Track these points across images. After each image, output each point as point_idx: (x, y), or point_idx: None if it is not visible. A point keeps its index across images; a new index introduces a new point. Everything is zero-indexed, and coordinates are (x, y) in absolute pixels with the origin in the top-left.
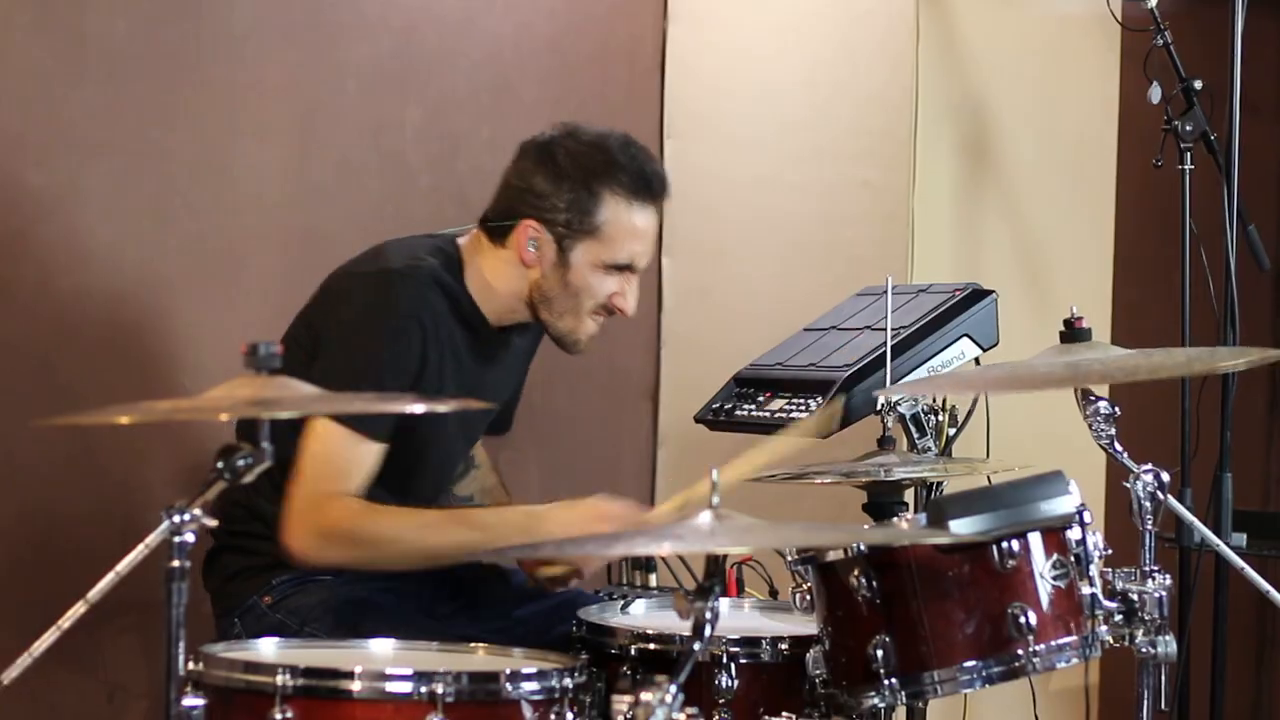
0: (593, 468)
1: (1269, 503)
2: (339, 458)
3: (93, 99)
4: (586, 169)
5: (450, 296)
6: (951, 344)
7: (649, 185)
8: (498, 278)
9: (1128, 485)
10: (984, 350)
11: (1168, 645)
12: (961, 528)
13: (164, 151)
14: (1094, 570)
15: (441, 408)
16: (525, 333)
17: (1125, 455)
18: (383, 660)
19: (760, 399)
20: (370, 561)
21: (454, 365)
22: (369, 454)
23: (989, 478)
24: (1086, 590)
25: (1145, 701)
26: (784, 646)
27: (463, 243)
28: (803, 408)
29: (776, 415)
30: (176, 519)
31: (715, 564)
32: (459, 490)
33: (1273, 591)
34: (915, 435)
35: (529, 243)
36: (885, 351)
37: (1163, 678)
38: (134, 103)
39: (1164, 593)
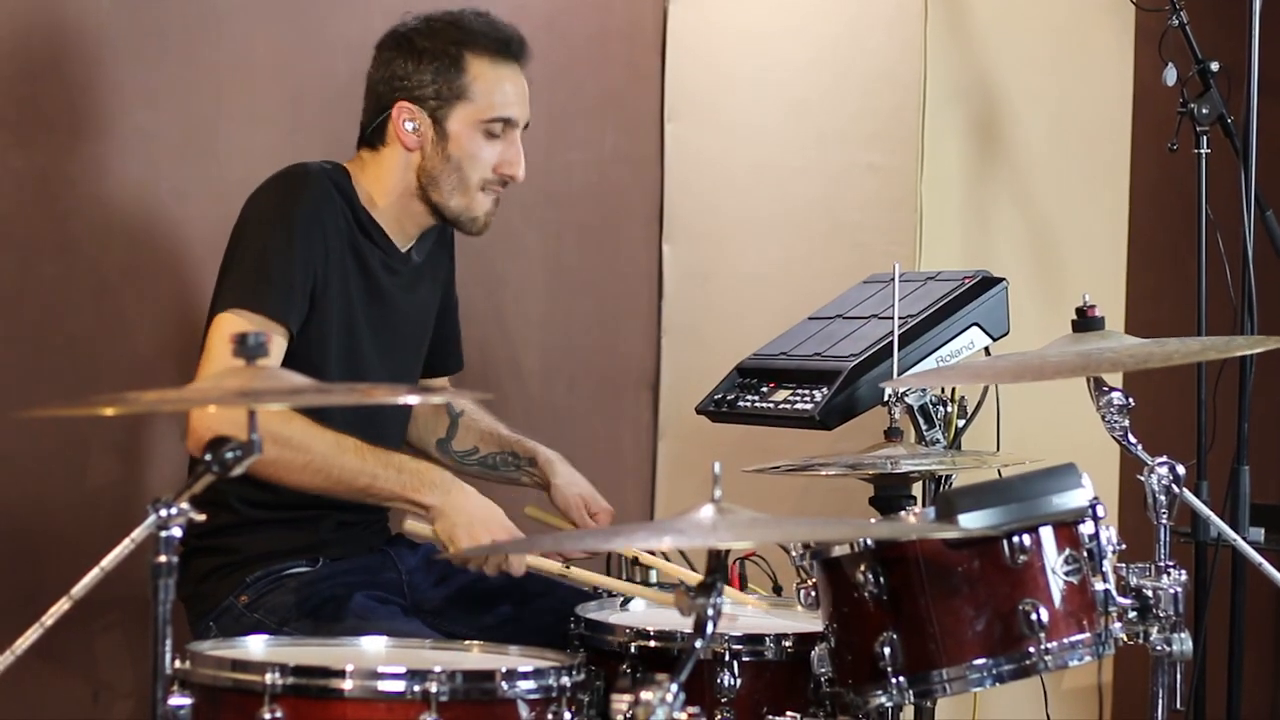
0: (591, 460)
1: None
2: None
3: (74, 79)
4: (446, 39)
5: (345, 197)
6: (960, 333)
7: (508, 45)
8: (386, 180)
9: (1142, 478)
10: (994, 339)
11: (1183, 643)
12: (971, 522)
13: (148, 134)
14: (1107, 566)
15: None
16: (424, 247)
17: (1139, 447)
18: (375, 658)
19: (764, 389)
20: (275, 464)
21: (359, 271)
22: (276, 339)
23: (999, 470)
24: (1100, 586)
25: (1160, 701)
26: (788, 644)
27: (348, 164)
28: (807, 398)
29: (780, 406)
30: (163, 513)
31: (717, 560)
32: (457, 445)
33: None
34: (923, 427)
35: (405, 125)
36: (892, 341)
37: (1178, 676)
38: (117, 84)
39: (1179, 589)
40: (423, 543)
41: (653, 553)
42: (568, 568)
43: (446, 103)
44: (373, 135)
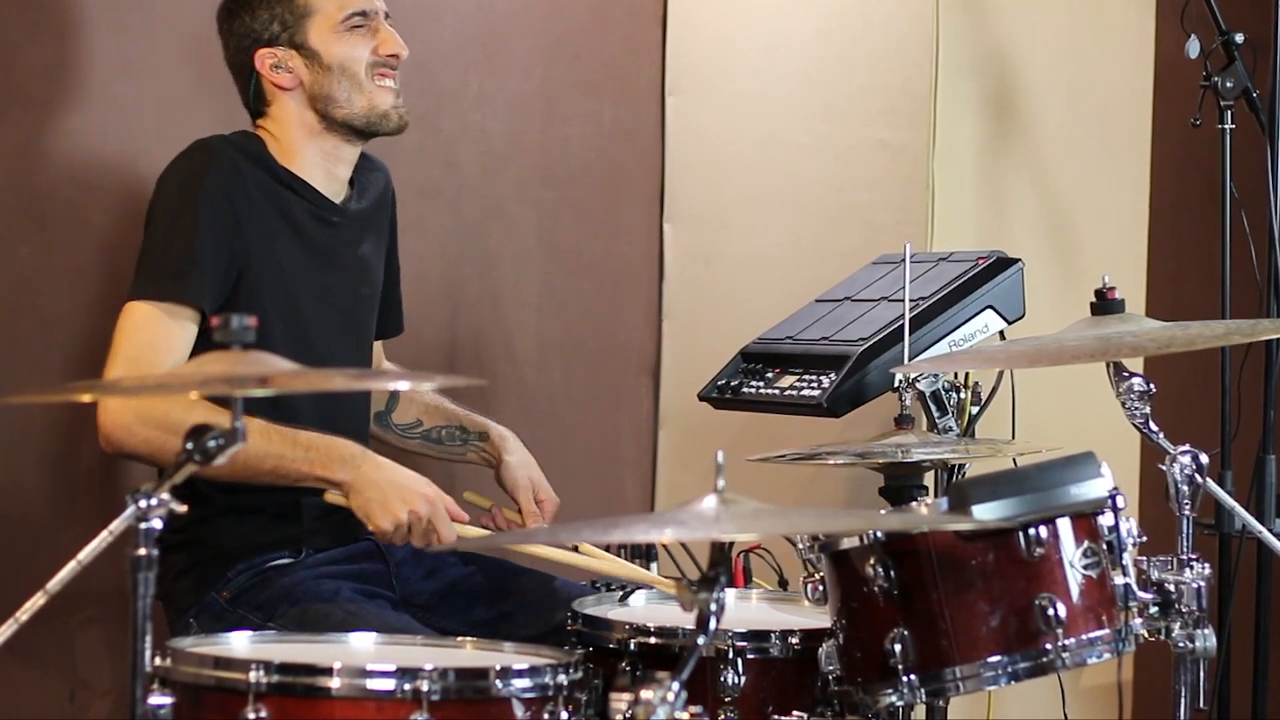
0: (589, 449)
1: None
2: (154, 331)
3: (50, 51)
4: None
5: (256, 159)
6: (974, 316)
7: None
8: (290, 128)
9: (1164, 468)
10: (1009, 323)
11: (1206, 639)
12: (985, 513)
13: (127, 107)
14: (1128, 559)
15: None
16: (363, 197)
17: (1161, 435)
18: (363, 656)
19: (769, 375)
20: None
21: (289, 231)
22: (185, 323)
23: (1015, 459)
24: (1120, 580)
25: (1182, 699)
26: (795, 641)
27: (260, 134)
28: (814, 384)
29: (786, 392)
30: (143, 504)
31: (720, 552)
32: (397, 419)
33: None
34: (935, 414)
35: (274, 70)
36: (903, 324)
37: (1201, 674)
38: (94, 55)
39: (1202, 583)
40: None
41: (653, 546)
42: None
43: (297, 27)
44: (255, 99)
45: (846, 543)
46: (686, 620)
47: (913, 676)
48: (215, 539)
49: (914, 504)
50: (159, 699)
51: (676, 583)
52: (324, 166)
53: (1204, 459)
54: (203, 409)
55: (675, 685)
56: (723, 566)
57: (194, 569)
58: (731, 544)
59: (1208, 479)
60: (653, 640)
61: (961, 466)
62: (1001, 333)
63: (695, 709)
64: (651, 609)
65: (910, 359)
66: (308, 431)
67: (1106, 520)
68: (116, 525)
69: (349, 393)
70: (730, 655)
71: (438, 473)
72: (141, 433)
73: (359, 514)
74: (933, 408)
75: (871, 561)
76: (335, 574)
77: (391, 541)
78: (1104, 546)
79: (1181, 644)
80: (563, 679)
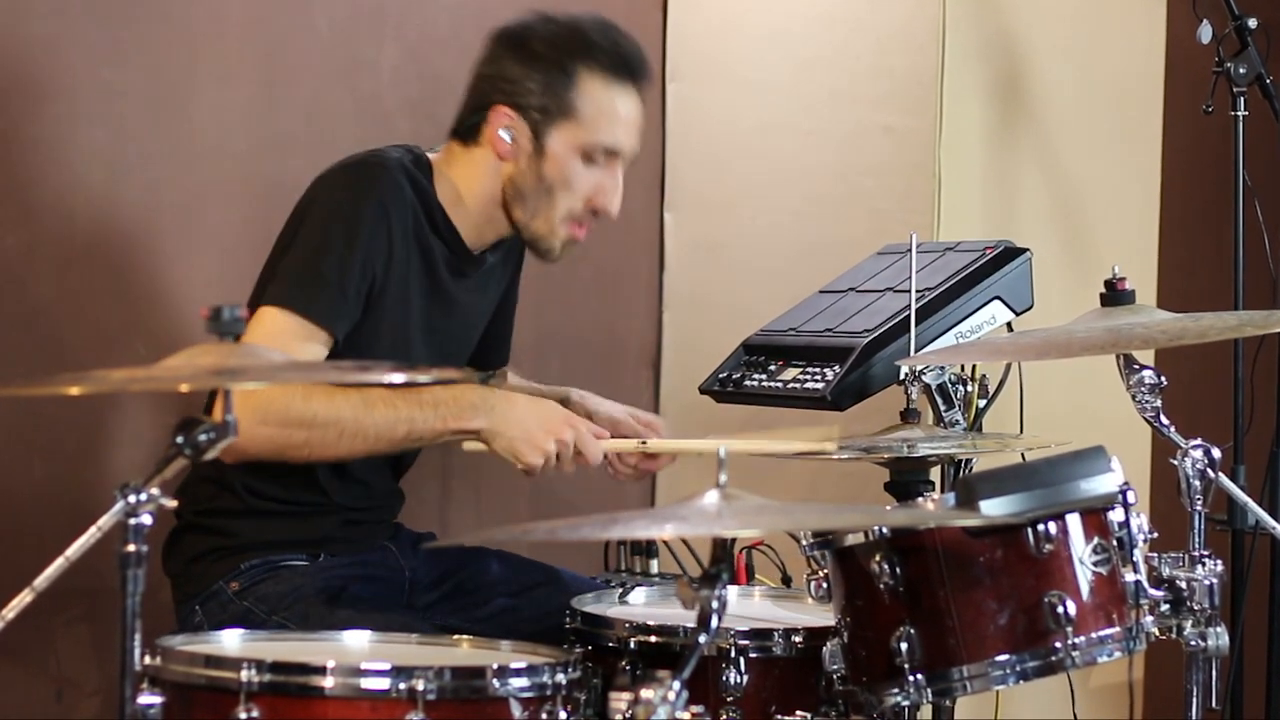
0: None
1: None
2: (288, 343)
3: (37, 36)
4: (560, 48)
5: (420, 193)
6: (982, 307)
7: (628, 64)
8: (471, 182)
9: (1175, 462)
10: (1017, 314)
11: (1219, 637)
12: (993, 509)
13: (116, 94)
14: (1138, 555)
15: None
16: (499, 250)
17: (1172, 429)
18: (358, 654)
19: (772, 368)
20: (308, 445)
21: (423, 271)
22: (316, 345)
23: (1023, 454)
24: (1130, 577)
25: (1194, 699)
26: (798, 639)
27: (434, 156)
28: (818, 377)
29: (790, 385)
30: (132, 499)
31: (722, 548)
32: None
33: None
34: (942, 407)
35: (502, 131)
36: (909, 316)
37: (1213, 673)
38: (83, 40)
39: (1215, 580)
40: (424, 530)
41: (654, 541)
42: (644, 443)
43: (551, 118)
44: (467, 131)
45: (851, 539)
46: (688, 618)
47: (919, 676)
48: (236, 530)
49: (920, 499)
50: (148, 698)
51: (678, 579)
52: (479, 226)
53: (1216, 453)
54: (322, 394)
55: (676, 684)
56: (725, 563)
57: (208, 555)
58: (734, 540)
59: (1220, 474)
60: (653, 638)
61: (968, 461)
62: (1009, 324)
63: (697, 709)
64: (652, 607)
65: (916, 351)
66: (429, 388)
67: (1117, 516)
68: (105, 521)
69: None
70: (732, 654)
71: (431, 465)
72: (263, 433)
73: (505, 455)
74: (939, 401)
75: (877, 558)
76: (346, 575)
77: (542, 474)
78: (1114, 543)
79: (1193, 642)
80: (561, 678)
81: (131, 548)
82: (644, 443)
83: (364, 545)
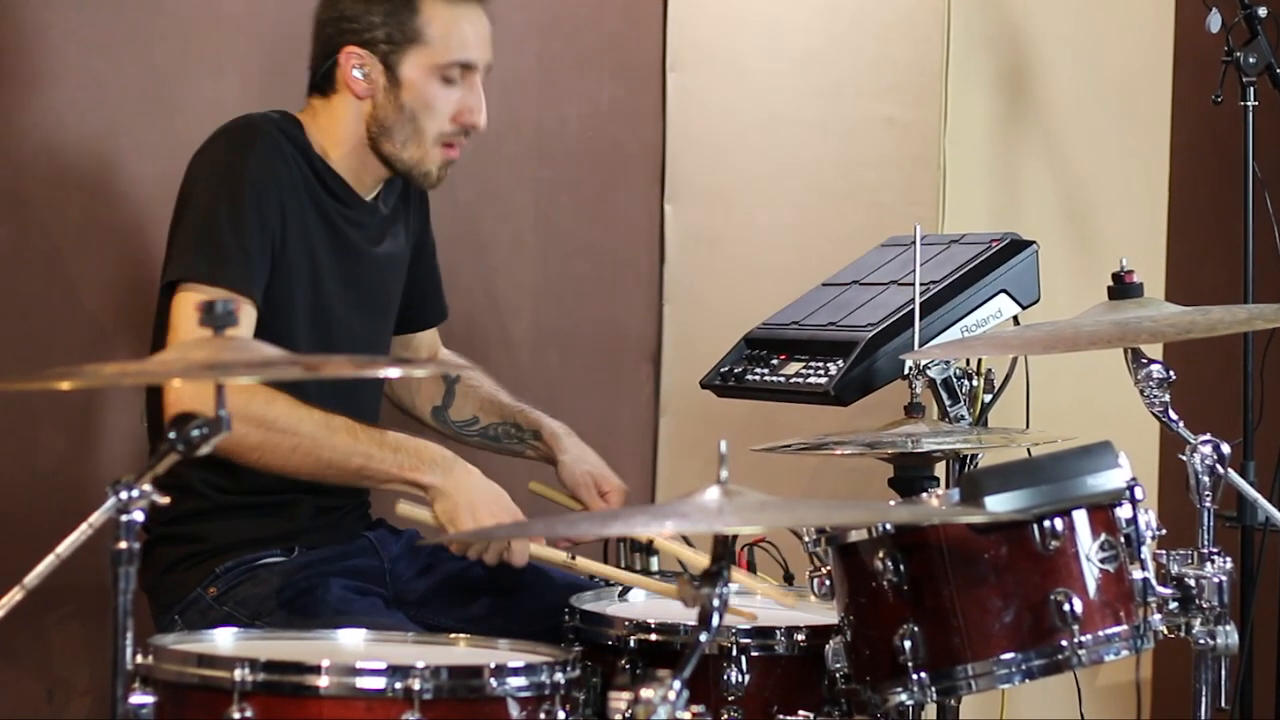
0: (587, 438)
1: None
2: None
3: (27, 26)
4: None
5: (300, 147)
6: (987, 301)
7: None
8: (338, 130)
9: (1184, 458)
10: (1023, 308)
11: (1228, 636)
12: (998, 505)
13: (108, 85)
14: (1146, 552)
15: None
16: (392, 197)
17: (1181, 424)
18: (353, 653)
19: (774, 362)
20: (260, 448)
21: (323, 224)
22: (245, 315)
23: (1029, 449)
24: (1138, 574)
25: (1203, 698)
26: (800, 637)
27: (300, 115)
28: (821, 371)
29: (792, 380)
30: (124, 496)
31: (724, 545)
32: (454, 415)
33: None
34: (947, 402)
35: (354, 71)
36: (913, 309)
37: (1223, 672)
38: (74, 30)
39: (1224, 577)
40: (407, 528)
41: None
42: (573, 558)
43: (398, 47)
44: (322, 81)
45: (854, 536)
46: (688, 616)
47: (923, 674)
48: (206, 534)
49: (924, 495)
50: (140, 698)
51: (679, 577)
52: (358, 172)
53: (1226, 449)
54: (286, 402)
55: (677, 684)
56: (726, 560)
57: (182, 563)
58: (735, 537)
59: (1229, 469)
60: (653, 637)
61: (974, 457)
62: (1015, 318)
63: (697, 708)
64: (652, 604)
65: (921, 345)
66: (395, 433)
67: (1124, 512)
68: (96, 518)
69: (363, 385)
70: (734, 652)
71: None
72: (241, 428)
73: (443, 519)
74: (944, 396)
75: (880, 555)
76: (326, 571)
77: (464, 553)
78: (1122, 539)
79: (1202, 641)
80: (559, 677)
81: (123, 545)
82: (573, 558)
83: (341, 536)
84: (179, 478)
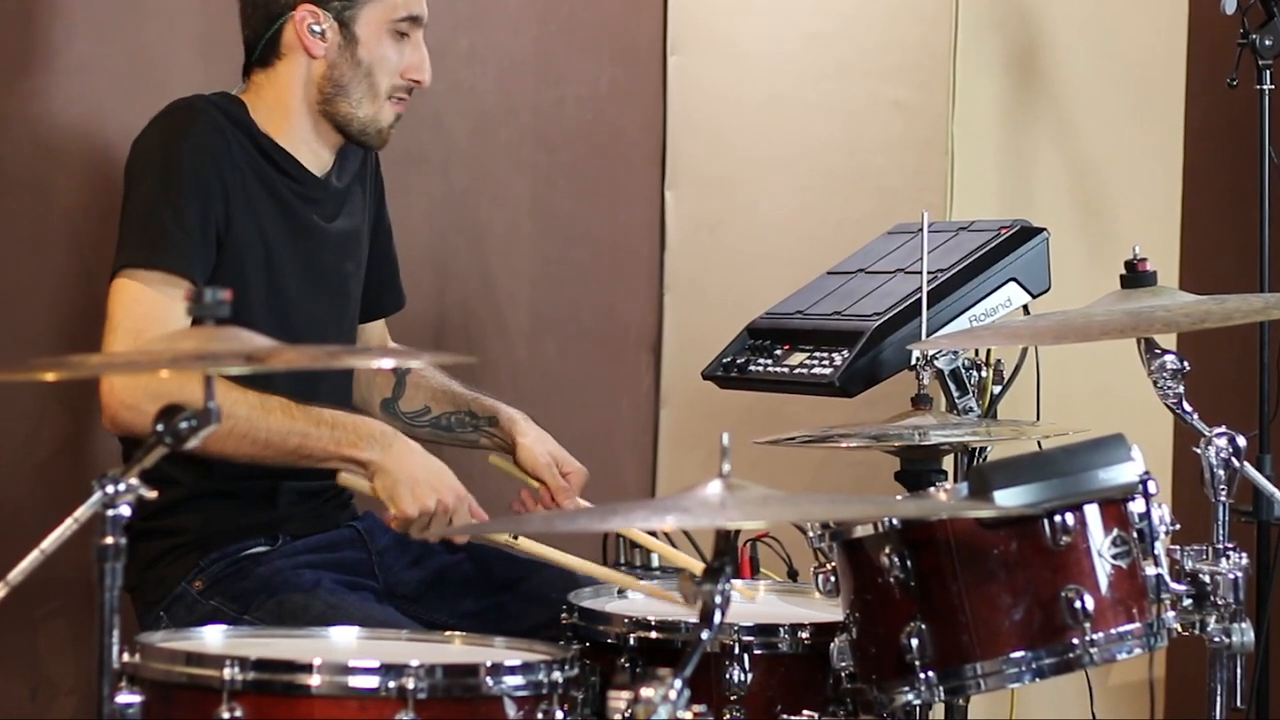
0: (586, 431)
1: None
2: (152, 303)
3: (11, 7)
4: None
5: (241, 126)
6: (997, 289)
7: None
8: (287, 98)
9: (1198, 451)
10: (1034, 297)
11: (1243, 633)
12: (1008, 499)
13: (93, 68)
14: (1160, 548)
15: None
16: (346, 173)
17: (1195, 416)
18: (345, 651)
19: (778, 352)
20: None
21: (272, 204)
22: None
23: (1039, 442)
24: (1151, 571)
25: (1218, 697)
26: (805, 635)
27: (239, 94)
28: (826, 362)
29: (796, 371)
30: (110, 489)
31: (726, 541)
32: (405, 406)
33: None
34: (955, 394)
35: (309, 31)
36: (921, 298)
37: (1238, 670)
38: (59, 10)
39: (1239, 573)
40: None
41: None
42: (515, 538)
43: (352, 3)
44: (265, 51)
45: (860, 531)
46: (690, 614)
47: (931, 673)
48: (188, 526)
49: (932, 490)
50: (127, 697)
51: (679, 573)
52: (310, 144)
53: (1241, 441)
54: (220, 387)
55: (677, 683)
56: (728, 556)
57: (164, 558)
58: (738, 532)
59: (1245, 463)
60: (654, 635)
61: (983, 450)
62: (1026, 307)
63: (699, 708)
64: (652, 601)
65: (928, 335)
66: (332, 410)
67: (1137, 507)
68: (82, 512)
69: (328, 373)
70: (736, 651)
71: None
72: (152, 411)
73: (382, 495)
74: (952, 387)
75: (887, 551)
76: (315, 563)
77: (405, 530)
78: (1134, 535)
79: (1217, 638)
80: (558, 676)
81: (110, 540)
82: (515, 538)
83: (324, 523)
84: (169, 470)
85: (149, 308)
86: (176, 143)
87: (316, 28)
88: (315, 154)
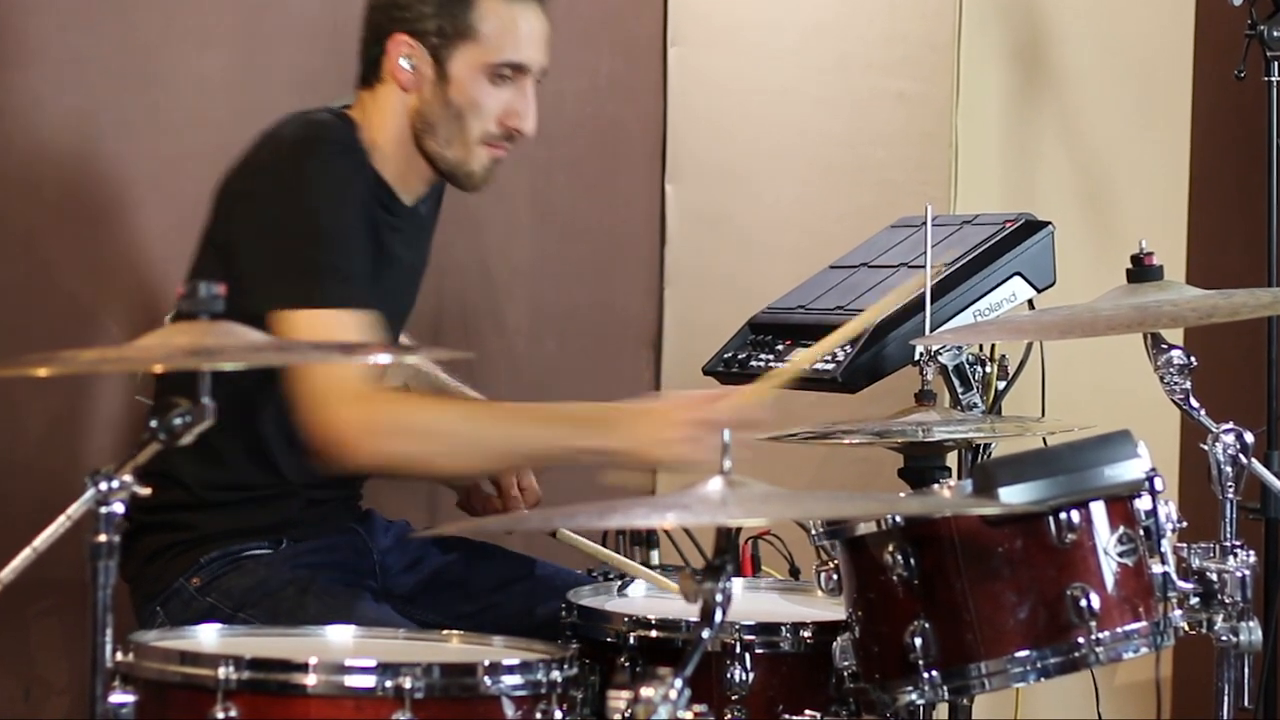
0: None
1: None
2: (353, 336)
3: None
4: None
5: (362, 153)
6: (1001, 284)
7: None
8: (385, 126)
9: (1205, 447)
10: (1039, 291)
11: (1251, 632)
12: (1013, 496)
13: (87, 59)
14: (1166, 546)
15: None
16: (428, 201)
17: (1202, 412)
18: (341, 650)
19: (779, 347)
20: (424, 456)
21: (375, 242)
22: (372, 329)
23: (1044, 439)
24: (1158, 569)
25: (1225, 697)
26: (807, 634)
27: (352, 114)
28: (828, 357)
29: None
30: (103, 487)
31: (727, 539)
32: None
33: None
34: (959, 389)
35: (401, 61)
36: (924, 293)
37: (1245, 669)
38: (52, 2)
39: (1247, 571)
40: (397, 520)
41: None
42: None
43: (449, 40)
44: (368, 71)
45: (863, 528)
46: (690, 612)
47: (934, 673)
48: (192, 524)
49: (936, 486)
50: (121, 697)
51: (680, 573)
52: (404, 173)
53: (1249, 438)
54: (434, 405)
55: (678, 682)
56: (729, 554)
57: (166, 552)
58: (739, 530)
59: (1253, 459)
60: (654, 633)
61: (987, 446)
62: (1030, 301)
63: (700, 708)
64: (652, 600)
65: (932, 330)
66: (533, 404)
67: (1144, 504)
68: (75, 509)
69: None
70: (737, 650)
71: None
72: (383, 448)
73: (677, 468)
74: (956, 383)
75: (890, 549)
76: (313, 563)
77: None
78: (1141, 532)
79: (1224, 637)
80: (556, 675)
81: (103, 538)
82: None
83: (330, 528)
84: (167, 464)
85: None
86: (342, 181)
87: (406, 61)
88: (408, 184)
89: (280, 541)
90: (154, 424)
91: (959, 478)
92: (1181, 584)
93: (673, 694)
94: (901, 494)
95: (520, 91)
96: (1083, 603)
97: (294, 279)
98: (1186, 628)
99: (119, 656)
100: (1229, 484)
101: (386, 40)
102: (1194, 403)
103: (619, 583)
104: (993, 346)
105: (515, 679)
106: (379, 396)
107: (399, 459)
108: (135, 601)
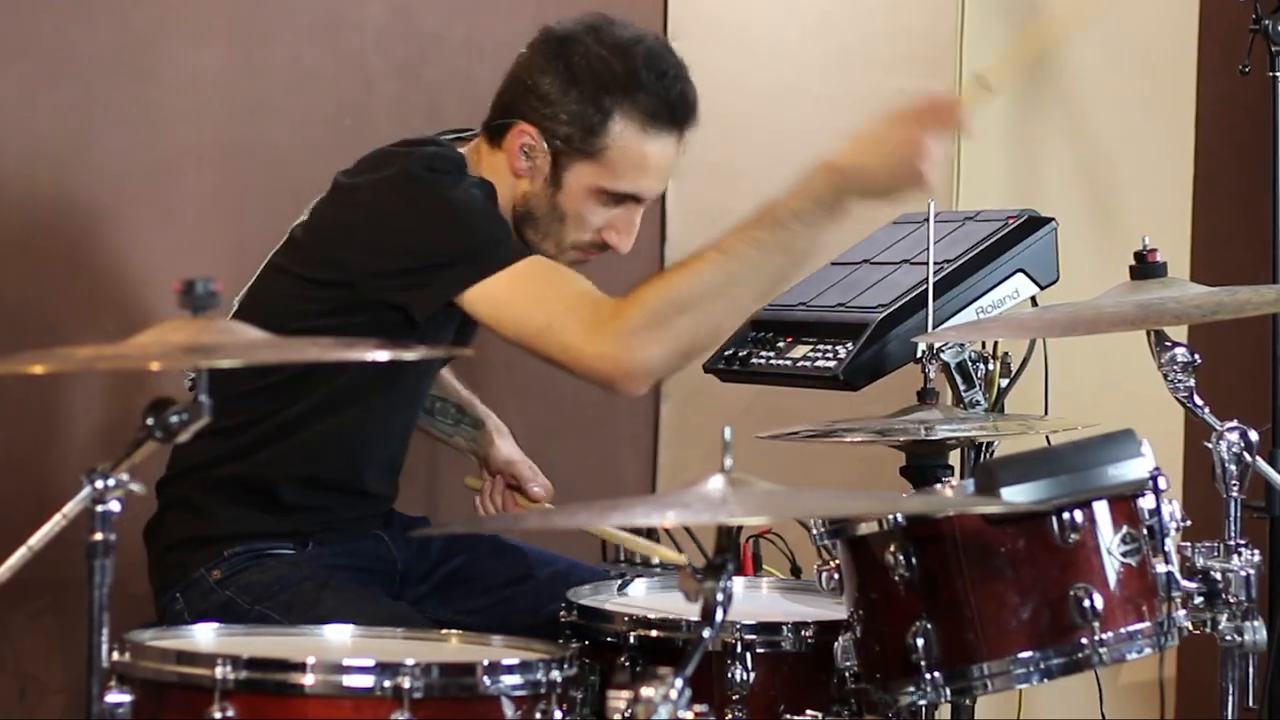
0: (584, 424)
1: None
2: (556, 276)
3: None
4: (601, 79)
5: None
6: (1004, 281)
7: (671, 111)
8: (495, 185)
9: (1209, 445)
10: (1042, 288)
11: (1256, 632)
12: (1015, 495)
13: (83, 53)
14: (1170, 545)
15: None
16: None
17: (1206, 410)
18: (340, 650)
19: (780, 344)
20: (696, 329)
21: None
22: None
23: (1048, 437)
24: (1161, 568)
25: (1230, 697)
26: (808, 634)
27: (465, 151)
28: (830, 354)
29: (799, 364)
30: (99, 485)
31: (728, 537)
32: None
33: None
34: (962, 387)
35: (521, 151)
36: (926, 289)
37: (1250, 669)
38: None
39: (1251, 570)
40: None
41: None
42: None
43: (573, 153)
44: (493, 130)
45: (865, 527)
46: (691, 611)
47: (936, 673)
48: (221, 510)
49: (938, 485)
50: (117, 696)
51: (680, 570)
52: None
53: (1253, 436)
54: (677, 274)
55: (678, 682)
56: (730, 553)
57: (190, 541)
58: (740, 528)
59: (1257, 458)
60: (654, 633)
61: (990, 445)
62: (1033, 298)
63: (700, 708)
64: (653, 599)
65: (934, 327)
66: (741, 225)
67: (1147, 503)
68: (71, 508)
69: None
70: (738, 649)
71: (421, 451)
72: (654, 345)
73: (903, 195)
74: (959, 380)
75: (892, 548)
76: (333, 565)
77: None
78: (1144, 532)
79: (1229, 637)
80: (556, 675)
81: (99, 536)
82: None
83: (355, 533)
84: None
85: (564, 278)
86: (458, 186)
87: (526, 155)
88: None
89: (306, 544)
90: (150, 421)
91: (961, 476)
92: (1185, 583)
93: (673, 694)
94: (903, 493)
95: (628, 215)
96: (1086, 603)
97: (469, 255)
98: (1190, 627)
99: (115, 656)
100: (1233, 482)
101: (516, 120)
102: (1198, 401)
103: (619, 582)
104: (995, 344)
105: (514, 679)
106: (616, 306)
107: (684, 341)
108: (155, 586)
